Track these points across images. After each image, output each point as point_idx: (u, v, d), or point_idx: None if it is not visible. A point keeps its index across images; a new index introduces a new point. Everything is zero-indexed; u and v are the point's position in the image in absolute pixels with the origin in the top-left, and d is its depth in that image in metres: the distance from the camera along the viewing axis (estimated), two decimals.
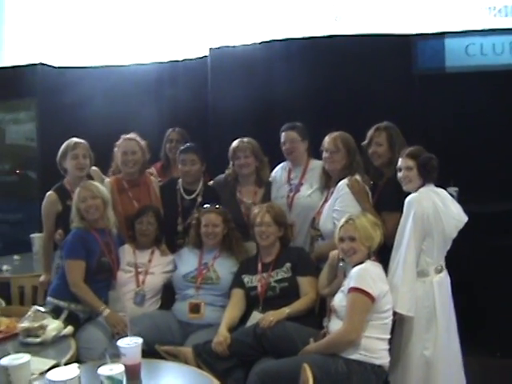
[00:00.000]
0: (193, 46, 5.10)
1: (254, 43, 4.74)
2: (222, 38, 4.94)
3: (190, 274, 3.27)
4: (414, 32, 4.52)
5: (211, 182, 3.80)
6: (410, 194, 2.87)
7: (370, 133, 3.29)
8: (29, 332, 2.57)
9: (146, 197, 3.64)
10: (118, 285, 3.26)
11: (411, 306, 2.74)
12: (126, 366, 2.02)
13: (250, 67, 4.64)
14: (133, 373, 2.07)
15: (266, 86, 4.53)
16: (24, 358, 2.01)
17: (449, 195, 2.98)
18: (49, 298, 3.10)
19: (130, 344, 2.10)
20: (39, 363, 2.26)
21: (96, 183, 3.30)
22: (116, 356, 2.12)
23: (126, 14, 5.39)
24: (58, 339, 2.62)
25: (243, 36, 4.90)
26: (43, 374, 2.11)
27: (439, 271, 2.87)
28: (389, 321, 2.66)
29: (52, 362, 2.30)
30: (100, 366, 1.97)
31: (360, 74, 4.36)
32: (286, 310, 2.90)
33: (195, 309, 3.16)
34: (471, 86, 4.15)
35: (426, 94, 4.34)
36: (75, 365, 2.06)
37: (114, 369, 1.95)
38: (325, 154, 3.31)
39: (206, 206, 3.40)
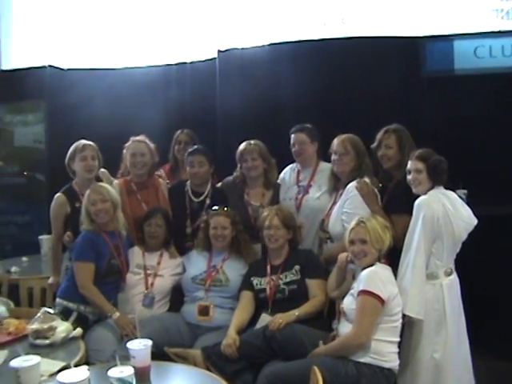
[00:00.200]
0: (201, 48, 5.13)
1: (262, 45, 4.74)
2: (230, 40, 4.96)
3: (198, 277, 3.27)
4: (422, 34, 4.51)
5: (219, 184, 3.79)
6: (419, 196, 2.86)
7: (379, 135, 3.28)
8: (38, 334, 2.58)
9: (154, 199, 3.63)
10: (127, 287, 3.26)
11: (421, 309, 2.73)
12: (135, 368, 2.03)
13: (257, 69, 4.65)
14: (142, 375, 2.07)
15: (274, 88, 4.53)
16: (34, 359, 2.02)
17: (458, 198, 2.97)
18: (58, 300, 3.10)
19: (140, 346, 2.10)
20: (49, 365, 2.27)
21: (106, 186, 3.29)
22: (125, 358, 2.13)
23: (136, 16, 5.43)
24: (68, 341, 2.62)
25: (251, 38, 4.92)
26: (53, 375, 2.13)
27: (449, 274, 2.86)
28: (398, 324, 2.65)
29: (61, 364, 2.30)
30: (110, 368, 1.98)
31: (368, 76, 4.35)
32: (295, 313, 2.90)
33: (204, 311, 3.16)
34: (480, 88, 4.14)
35: (435, 97, 4.32)
36: (85, 367, 2.07)
37: (124, 371, 1.96)
38: (334, 157, 3.30)
39: (214, 208, 3.40)
